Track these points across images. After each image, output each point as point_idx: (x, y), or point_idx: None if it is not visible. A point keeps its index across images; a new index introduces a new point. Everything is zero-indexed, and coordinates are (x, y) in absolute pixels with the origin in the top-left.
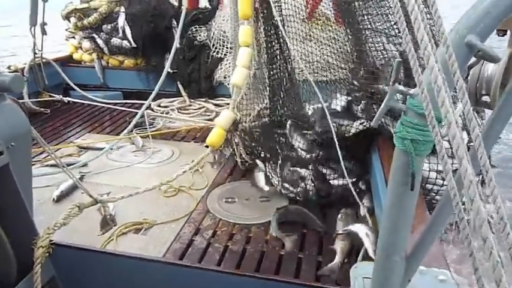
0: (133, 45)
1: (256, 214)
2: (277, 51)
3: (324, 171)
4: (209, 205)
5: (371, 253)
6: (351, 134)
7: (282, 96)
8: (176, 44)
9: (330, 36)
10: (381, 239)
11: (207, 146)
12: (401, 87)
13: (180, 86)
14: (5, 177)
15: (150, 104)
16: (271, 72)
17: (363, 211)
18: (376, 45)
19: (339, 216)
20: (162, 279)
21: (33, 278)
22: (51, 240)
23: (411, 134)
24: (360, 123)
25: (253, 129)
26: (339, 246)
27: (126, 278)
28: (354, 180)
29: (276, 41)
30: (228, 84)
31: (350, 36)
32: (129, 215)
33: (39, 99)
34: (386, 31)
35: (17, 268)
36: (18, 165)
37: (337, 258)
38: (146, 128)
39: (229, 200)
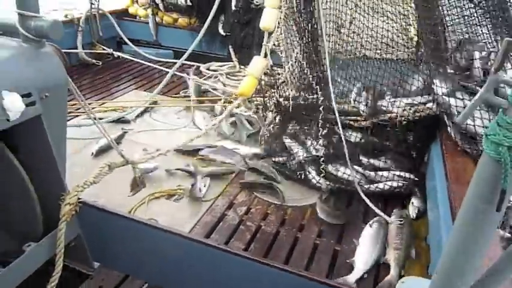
0: (189, 3)
1: (296, 196)
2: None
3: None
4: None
5: None
6: (407, 119)
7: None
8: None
9: (399, 10)
10: (444, 260)
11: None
12: (506, 77)
13: (231, 50)
14: (36, 129)
15: (199, 66)
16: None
17: (412, 212)
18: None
19: (393, 217)
20: (186, 254)
21: (57, 235)
22: (79, 198)
23: (510, 140)
24: (421, 109)
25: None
26: (393, 256)
27: (150, 247)
28: (406, 176)
29: None
30: (281, 52)
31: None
32: (164, 180)
33: (92, 51)
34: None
35: (44, 223)
36: (51, 118)
37: (393, 271)
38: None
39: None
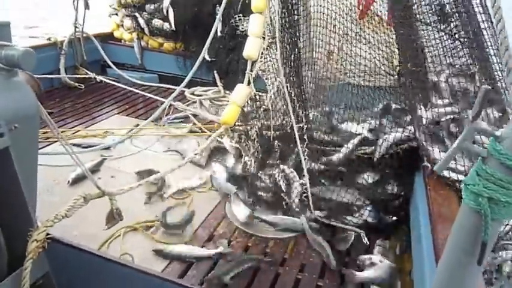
0: (173, 28)
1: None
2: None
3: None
4: (227, 210)
5: None
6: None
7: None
8: (215, 29)
9: (382, 39)
10: None
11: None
12: (484, 125)
13: (216, 75)
14: (3, 161)
15: (183, 91)
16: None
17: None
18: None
19: (377, 248)
20: None
21: (22, 274)
22: (48, 234)
23: (490, 191)
24: (402, 142)
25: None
26: None
27: (122, 286)
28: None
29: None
30: (266, 78)
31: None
32: (141, 210)
33: (75, 76)
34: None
35: (9, 261)
36: (21, 149)
37: None
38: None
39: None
